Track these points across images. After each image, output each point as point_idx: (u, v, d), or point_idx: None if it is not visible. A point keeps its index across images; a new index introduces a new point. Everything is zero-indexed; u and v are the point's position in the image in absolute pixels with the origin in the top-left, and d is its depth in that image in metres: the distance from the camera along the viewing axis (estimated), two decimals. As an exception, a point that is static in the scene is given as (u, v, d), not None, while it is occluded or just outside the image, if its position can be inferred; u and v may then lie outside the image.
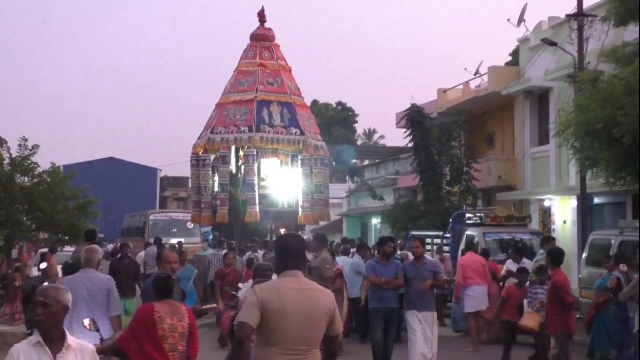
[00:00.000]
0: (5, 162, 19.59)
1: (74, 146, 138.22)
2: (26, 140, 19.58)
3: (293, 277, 5.45)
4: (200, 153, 26.31)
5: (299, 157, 26.16)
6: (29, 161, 19.46)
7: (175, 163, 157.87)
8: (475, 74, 31.84)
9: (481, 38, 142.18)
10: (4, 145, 21.59)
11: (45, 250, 22.11)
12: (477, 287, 15.27)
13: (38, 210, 19.16)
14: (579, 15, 20.70)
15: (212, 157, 26.56)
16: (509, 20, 28.15)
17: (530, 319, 12.33)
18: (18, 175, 19.33)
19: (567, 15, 21.56)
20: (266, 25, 27.99)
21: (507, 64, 33.22)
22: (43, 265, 19.83)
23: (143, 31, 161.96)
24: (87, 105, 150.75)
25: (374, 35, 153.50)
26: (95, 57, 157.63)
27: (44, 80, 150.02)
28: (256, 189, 25.02)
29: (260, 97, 26.14)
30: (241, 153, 26.32)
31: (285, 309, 5.25)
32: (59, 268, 18.33)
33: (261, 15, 27.96)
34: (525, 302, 12.72)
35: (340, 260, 16.64)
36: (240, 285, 13.59)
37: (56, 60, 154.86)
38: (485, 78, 30.38)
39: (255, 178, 25.15)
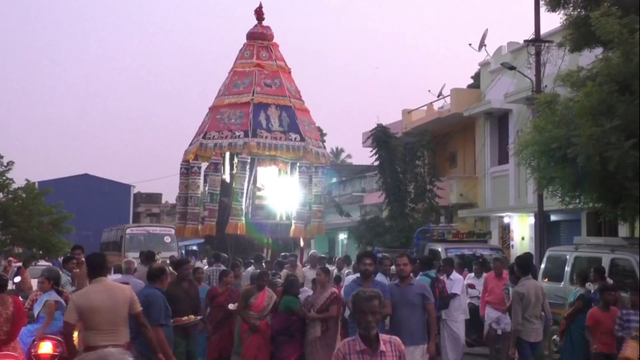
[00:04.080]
0: (-20, 178, 19.41)
1: (49, 163, 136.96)
2: (1, 157, 19.45)
3: (99, 282, 7.71)
4: (191, 160, 23.65)
5: (298, 164, 23.46)
6: (4, 177, 19.32)
7: (148, 180, 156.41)
8: (438, 96, 32.08)
9: (444, 61, 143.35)
10: (-21, 162, 21.47)
11: (20, 264, 21.88)
12: None
13: (13, 225, 19.00)
14: (537, 41, 20.98)
15: (205, 165, 23.94)
16: (470, 45, 28.52)
17: (630, 349, 9.93)
18: (-7, 192, 19.15)
19: (526, 41, 21.84)
20: (264, 23, 25.33)
21: (469, 86, 33.45)
22: (17, 279, 19.61)
23: (121, 47, 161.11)
24: (62, 122, 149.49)
25: (340, 58, 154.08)
26: (71, 74, 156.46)
27: (19, 98, 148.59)
28: (243, 199, 22.51)
29: (257, 100, 23.47)
30: (236, 160, 23.43)
31: (93, 305, 7.46)
32: (32, 282, 18.13)
33: (259, 13, 25.46)
34: (615, 329, 10.47)
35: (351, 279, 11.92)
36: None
37: (31, 77, 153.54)
38: (448, 100, 30.53)
39: (245, 186, 22.71)
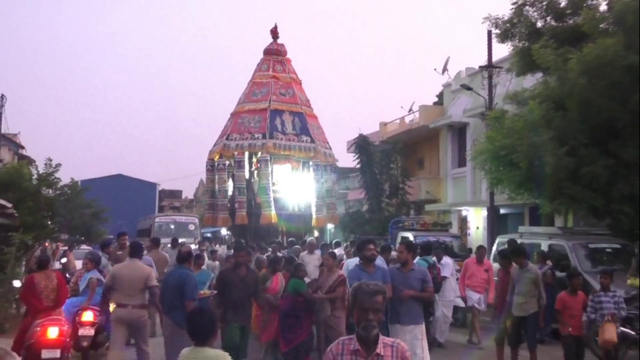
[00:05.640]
0: (33, 177, 19.40)
1: (90, 164, 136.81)
2: (51, 160, 19.36)
3: (131, 262, 8.82)
4: (215, 159, 23.01)
5: (311, 163, 22.93)
6: (52, 177, 19.24)
7: (171, 179, 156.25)
8: (409, 111, 32.27)
9: (414, 83, 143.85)
10: (33, 164, 21.44)
11: (66, 248, 21.88)
12: None
13: (59, 216, 18.94)
14: (489, 66, 21.08)
15: (227, 163, 23.19)
16: (435, 69, 28.75)
17: (608, 332, 8.87)
18: (44, 188, 19.11)
19: (480, 67, 21.96)
20: (278, 41, 24.89)
21: (434, 103, 33.62)
22: (64, 260, 19.60)
23: (150, 65, 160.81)
24: (101, 132, 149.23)
25: (327, 76, 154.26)
26: (110, 91, 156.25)
27: (67, 110, 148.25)
28: (270, 192, 21.91)
29: (273, 107, 22.93)
30: (254, 159, 23.04)
31: (122, 275, 8.55)
32: (76, 262, 18.14)
33: (274, 32, 24.89)
34: (587, 312, 9.30)
35: (351, 262, 11.08)
36: None
37: (78, 93, 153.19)
38: (417, 114, 30.72)
39: (270, 182, 22.11)
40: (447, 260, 13.07)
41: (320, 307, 9.63)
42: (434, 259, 12.40)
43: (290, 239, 19.14)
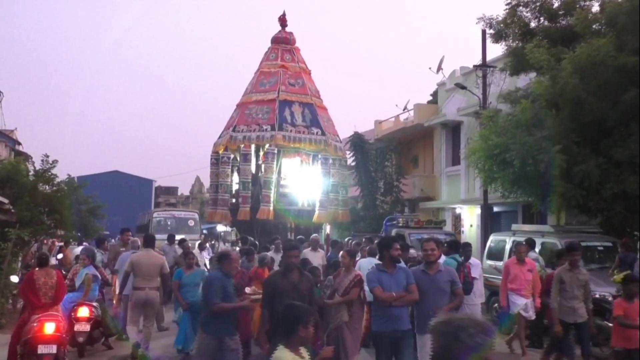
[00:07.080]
0: (30, 173, 19.36)
1: (86, 161, 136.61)
2: (47, 156, 19.31)
3: (146, 250, 10.30)
4: (220, 152, 21.85)
5: (320, 156, 21.71)
6: (49, 173, 19.20)
7: (167, 175, 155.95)
8: (404, 110, 32.25)
9: (409, 81, 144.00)
10: (30, 160, 21.42)
11: (62, 244, 21.85)
12: None
13: (56, 212, 18.91)
14: (483, 66, 21.10)
15: (232, 156, 22.09)
16: (430, 68, 28.81)
17: None
18: (41, 185, 19.07)
19: (474, 66, 21.96)
20: (287, 29, 23.92)
21: (429, 102, 33.56)
22: (60, 256, 19.56)
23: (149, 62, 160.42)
24: (99, 129, 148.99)
25: (322, 73, 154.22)
26: (107, 89, 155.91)
27: (64, 107, 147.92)
28: (272, 187, 20.80)
29: (282, 97, 21.81)
30: (261, 152, 21.79)
31: (140, 262, 9.96)
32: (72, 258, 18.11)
33: (282, 20, 23.89)
34: None
35: (365, 262, 10.49)
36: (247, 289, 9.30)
37: (74, 89, 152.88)
38: (412, 113, 30.73)
39: (274, 176, 20.95)
40: (475, 260, 11.55)
41: (337, 311, 8.36)
42: (462, 257, 10.84)
43: (299, 237, 18.11)
